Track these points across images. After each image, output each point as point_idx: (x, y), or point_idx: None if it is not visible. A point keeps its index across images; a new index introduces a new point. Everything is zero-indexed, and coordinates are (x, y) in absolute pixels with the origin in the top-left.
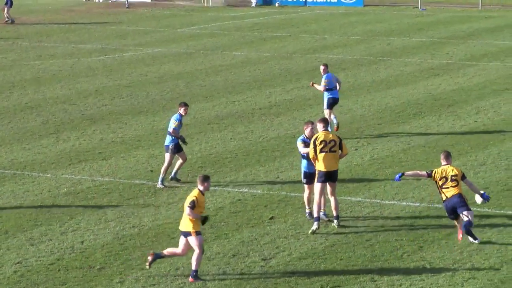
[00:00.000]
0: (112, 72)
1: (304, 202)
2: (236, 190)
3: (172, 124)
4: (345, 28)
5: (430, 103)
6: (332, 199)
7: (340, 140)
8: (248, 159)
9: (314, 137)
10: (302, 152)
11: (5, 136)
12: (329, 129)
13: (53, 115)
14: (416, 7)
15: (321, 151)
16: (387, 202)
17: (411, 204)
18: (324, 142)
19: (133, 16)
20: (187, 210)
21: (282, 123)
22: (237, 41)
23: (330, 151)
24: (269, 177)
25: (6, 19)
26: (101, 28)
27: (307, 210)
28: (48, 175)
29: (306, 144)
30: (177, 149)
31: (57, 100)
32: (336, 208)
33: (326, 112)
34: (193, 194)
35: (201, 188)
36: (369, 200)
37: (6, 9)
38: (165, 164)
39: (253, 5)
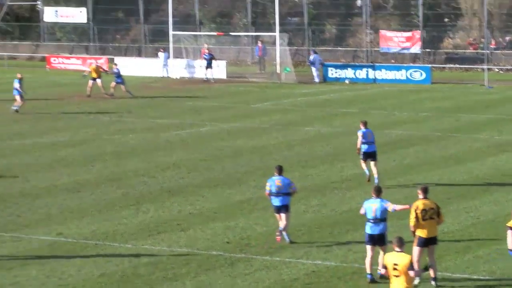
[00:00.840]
0: (189, 146)
1: (366, 267)
2: (310, 262)
3: (292, 185)
4: (414, 105)
5: (499, 179)
6: (431, 260)
7: (438, 208)
8: (321, 232)
9: (414, 206)
10: (394, 209)
11: (87, 207)
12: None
13: (133, 187)
14: (483, 85)
15: (423, 219)
16: (458, 275)
17: (481, 277)
18: (424, 210)
19: (209, 91)
20: (411, 273)
21: (354, 197)
22: (309, 116)
23: (430, 218)
24: (342, 249)
25: (126, 92)
26: (179, 104)
27: (369, 272)
28: (128, 246)
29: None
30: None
31: (136, 173)
32: (435, 270)
33: (361, 163)
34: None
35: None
36: (440, 273)
37: (123, 87)
38: (287, 221)
39: (316, 80)
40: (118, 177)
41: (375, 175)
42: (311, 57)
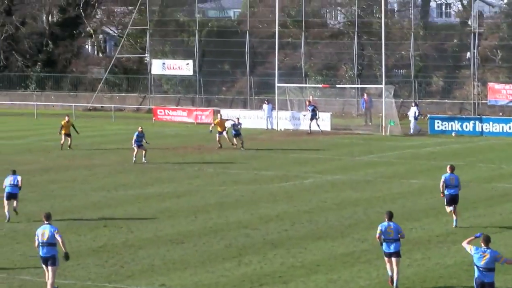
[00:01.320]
0: (292, 198)
1: None
2: None
3: (401, 230)
4: None
5: None
6: None
7: None
8: (425, 285)
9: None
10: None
11: (190, 259)
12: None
13: (235, 239)
14: None
15: None
16: None
17: None
18: None
19: (314, 143)
20: None
21: (459, 251)
22: (414, 169)
23: None
24: None
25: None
26: (283, 155)
27: None
28: None
29: None
30: None
31: (239, 224)
32: None
33: (446, 208)
34: None
35: None
36: None
37: (237, 139)
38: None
39: (411, 132)
40: (221, 229)
41: (454, 217)
42: (411, 110)
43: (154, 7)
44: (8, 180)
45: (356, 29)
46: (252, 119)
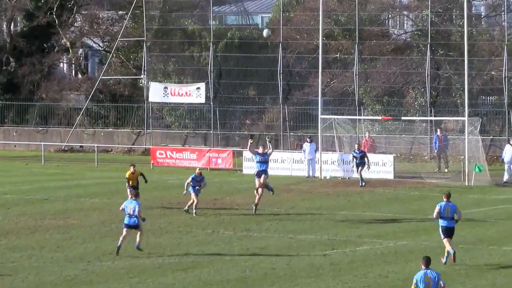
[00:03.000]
0: (341, 271)
1: None
2: None
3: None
4: None
5: None
6: None
7: None
8: None
9: None
10: None
11: None
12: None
13: None
14: None
15: None
16: None
17: None
18: None
19: (370, 197)
20: None
21: None
22: (508, 232)
23: None
24: None
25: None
26: (328, 214)
27: None
28: None
29: None
30: None
31: None
32: None
33: (444, 241)
34: None
35: None
36: None
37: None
38: None
39: (505, 180)
40: None
41: (450, 250)
42: (506, 150)
43: (153, 12)
44: None
45: (429, 41)
46: (286, 163)
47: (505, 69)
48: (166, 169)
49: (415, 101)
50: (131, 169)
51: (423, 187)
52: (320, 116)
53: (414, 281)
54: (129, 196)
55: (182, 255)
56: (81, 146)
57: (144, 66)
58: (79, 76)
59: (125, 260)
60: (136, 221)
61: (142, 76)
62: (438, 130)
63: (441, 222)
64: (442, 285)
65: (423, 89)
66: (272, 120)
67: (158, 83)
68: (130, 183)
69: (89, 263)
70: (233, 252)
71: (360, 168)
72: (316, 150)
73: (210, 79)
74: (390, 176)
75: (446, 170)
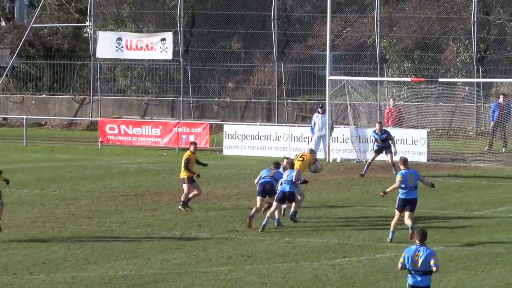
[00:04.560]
0: (355, 285)
1: None
2: None
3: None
4: None
5: None
6: None
7: None
8: None
9: None
10: None
11: None
12: None
13: None
14: None
15: None
16: None
17: None
18: None
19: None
20: None
21: None
22: None
23: None
24: None
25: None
26: (339, 210)
27: None
28: None
29: None
30: None
31: None
32: None
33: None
34: None
35: None
36: None
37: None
38: None
39: None
40: None
41: (409, 224)
42: None
43: None
44: None
45: None
46: (282, 140)
47: None
48: (119, 149)
49: (456, 57)
50: (191, 147)
51: (467, 174)
52: (328, 77)
53: (404, 255)
54: None
55: (140, 265)
56: (4, 119)
57: (90, 10)
58: (2, 23)
59: (64, 272)
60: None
61: (87, 23)
62: (501, 96)
63: (401, 194)
64: (434, 268)
65: (467, 41)
66: (263, 83)
67: (109, 33)
68: (189, 166)
69: (16, 276)
70: (210, 262)
71: (388, 154)
72: (329, 124)
73: (180, 27)
74: (423, 158)
75: (503, 150)
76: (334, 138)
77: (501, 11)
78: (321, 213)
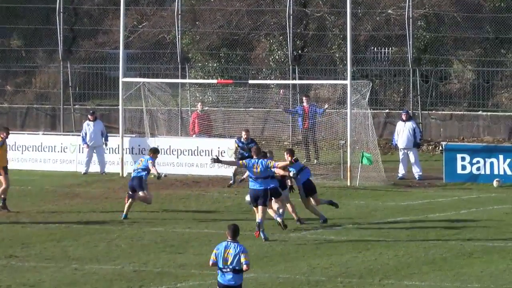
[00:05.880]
0: None
1: None
2: None
3: None
4: None
5: None
6: None
7: None
8: None
9: None
10: None
11: None
12: None
13: None
14: None
15: None
16: None
17: None
18: None
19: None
20: None
21: None
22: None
23: None
24: None
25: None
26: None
27: None
28: None
29: None
30: None
31: None
32: None
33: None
34: None
35: None
36: None
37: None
38: None
39: (399, 174)
40: None
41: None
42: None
43: None
44: None
45: None
46: (68, 152)
47: (408, 5)
48: None
49: (269, 55)
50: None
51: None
52: (121, 79)
53: (215, 251)
54: None
55: None
56: None
57: None
58: None
59: None
60: None
61: None
62: (304, 99)
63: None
64: (245, 266)
65: (281, 37)
66: (47, 86)
67: None
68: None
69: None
70: None
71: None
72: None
73: None
74: (228, 172)
75: (315, 162)
76: (128, 149)
77: (320, 2)
78: (113, 235)
